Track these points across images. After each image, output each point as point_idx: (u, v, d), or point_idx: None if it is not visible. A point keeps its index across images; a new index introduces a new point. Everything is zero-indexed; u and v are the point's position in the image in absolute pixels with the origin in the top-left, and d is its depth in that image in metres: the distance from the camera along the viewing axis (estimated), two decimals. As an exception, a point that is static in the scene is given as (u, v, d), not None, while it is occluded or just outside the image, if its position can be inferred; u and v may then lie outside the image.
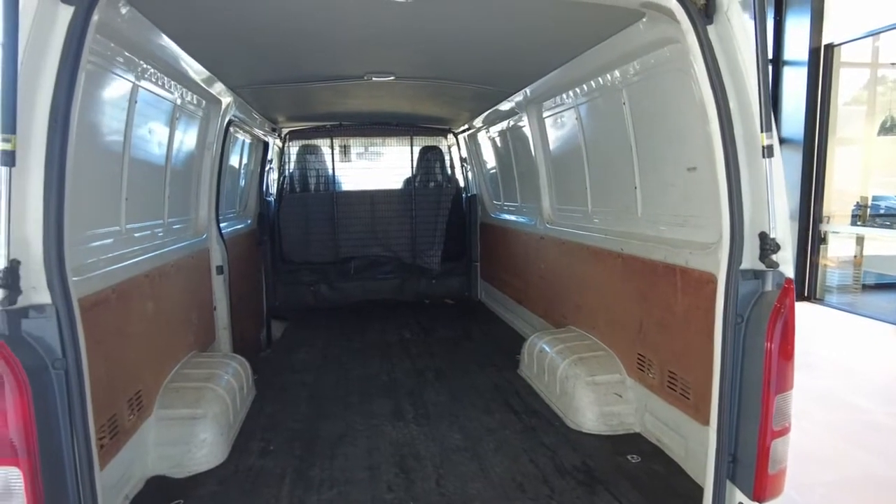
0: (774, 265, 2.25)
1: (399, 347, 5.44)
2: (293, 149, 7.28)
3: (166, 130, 3.71)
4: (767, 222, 2.24)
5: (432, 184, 7.46)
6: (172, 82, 3.59)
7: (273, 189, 7.19)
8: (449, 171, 7.51)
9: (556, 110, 4.50)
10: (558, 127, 4.60)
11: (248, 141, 6.23)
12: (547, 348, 4.09)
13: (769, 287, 2.30)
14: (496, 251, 6.77)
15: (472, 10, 3.06)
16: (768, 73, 2.14)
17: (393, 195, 7.39)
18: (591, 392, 3.51)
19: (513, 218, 6.19)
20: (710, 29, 2.30)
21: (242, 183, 6.36)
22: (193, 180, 4.44)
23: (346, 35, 3.46)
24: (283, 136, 7.13)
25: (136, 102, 3.04)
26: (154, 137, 3.51)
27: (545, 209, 4.99)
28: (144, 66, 3.08)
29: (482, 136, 6.79)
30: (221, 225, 5.44)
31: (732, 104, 2.30)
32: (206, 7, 2.88)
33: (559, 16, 2.99)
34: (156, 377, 3.32)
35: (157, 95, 3.44)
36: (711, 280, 2.64)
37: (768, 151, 2.17)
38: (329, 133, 7.21)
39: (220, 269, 4.73)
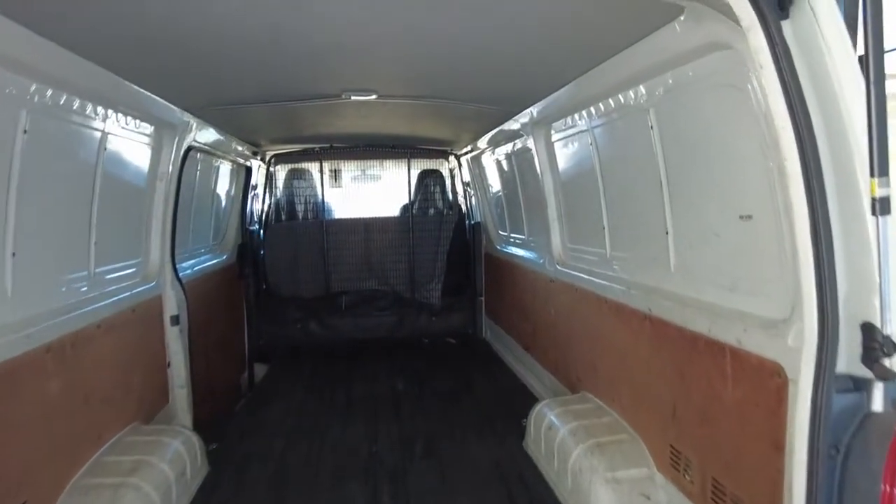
0: (889, 375, 1.51)
1: (388, 404, 4.72)
2: (279, 174, 6.65)
3: (89, 163, 3.07)
4: (877, 309, 1.51)
5: (432, 210, 6.77)
6: (97, 107, 2.96)
7: (257, 217, 6.56)
8: (450, 197, 6.83)
9: (568, 133, 3.80)
10: (570, 152, 3.89)
11: (224, 166, 5.61)
12: (557, 423, 3.35)
13: (878, 405, 1.56)
14: (502, 287, 6.04)
15: (468, 16, 2.40)
16: (884, 94, 1.41)
17: (389, 223, 6.71)
18: (610, 492, 2.77)
19: (520, 253, 5.47)
20: (786, 25, 1.59)
21: (219, 213, 5.73)
22: (141, 218, 3.79)
23: (316, 45, 2.81)
24: (267, 159, 6.50)
25: (24, 132, 2.39)
26: (64, 172, 2.86)
27: (555, 247, 4.27)
28: (41, 88, 2.44)
29: (487, 159, 6.10)
30: (187, 263, 4.82)
31: (819, 134, 1.59)
32: (117, 16, 2.25)
33: (573, 16, 2.30)
34: (58, 477, 2.64)
35: (72, 122, 2.81)
36: (777, 372, 1.91)
37: (882, 206, 1.44)
38: (318, 156, 6.58)
39: (175, 320, 4.06)
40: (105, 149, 3.15)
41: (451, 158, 6.77)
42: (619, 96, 2.89)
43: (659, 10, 2.06)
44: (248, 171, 6.16)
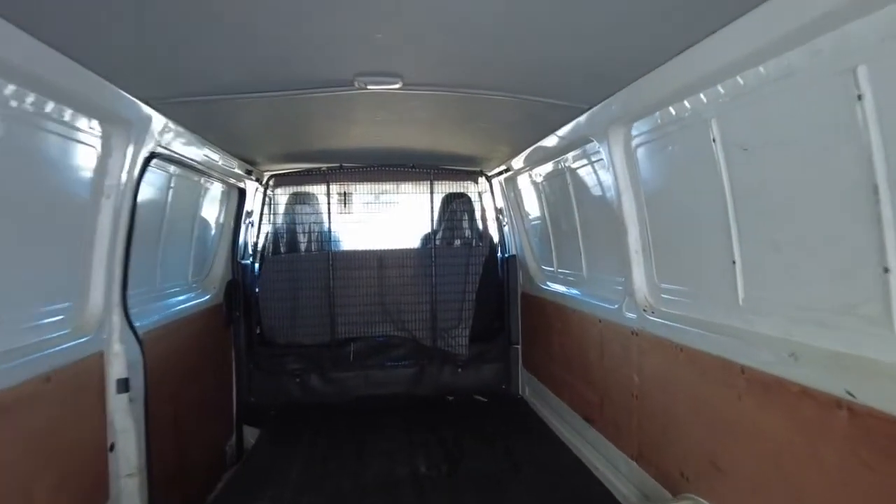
0: None
1: (409, 491, 3.58)
2: (279, 197, 5.63)
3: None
4: None
5: (459, 241, 5.71)
6: (6, 85, 1.97)
7: (252, 249, 5.52)
8: (480, 225, 5.77)
9: (664, 131, 2.75)
10: (667, 159, 2.84)
11: (211, 187, 4.61)
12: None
13: None
14: (546, 334, 4.91)
15: None
16: None
17: (407, 256, 5.64)
18: None
19: (575, 293, 4.36)
20: None
21: (202, 243, 4.70)
22: (76, 247, 2.75)
23: (321, 11, 1.85)
24: (264, 180, 5.50)
25: None
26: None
27: (639, 288, 3.17)
28: None
29: (525, 180, 5.07)
30: (153, 306, 3.76)
31: None
32: None
33: None
34: None
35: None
36: None
37: None
38: (325, 177, 5.56)
39: (123, 385, 2.98)
40: (17, 147, 2.14)
41: (482, 180, 5.74)
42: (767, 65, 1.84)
43: None
44: (242, 194, 5.16)
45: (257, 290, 5.43)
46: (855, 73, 1.66)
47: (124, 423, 3.00)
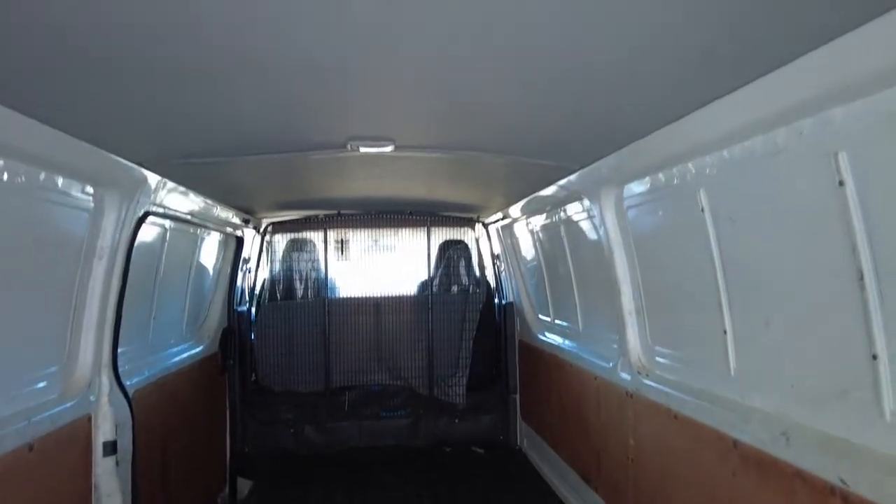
0: None
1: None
2: (277, 245, 5.65)
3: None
4: None
5: (455, 288, 5.69)
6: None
7: (248, 296, 5.51)
8: (477, 272, 5.76)
9: (655, 195, 2.76)
10: (659, 221, 2.84)
11: (207, 237, 4.62)
12: None
13: None
14: (544, 386, 4.85)
15: (526, 39, 1.46)
16: None
17: (404, 303, 5.62)
18: None
19: (572, 347, 4.33)
20: None
21: (198, 294, 4.69)
22: (66, 310, 2.74)
23: (314, 75, 1.89)
24: (262, 228, 5.52)
25: None
26: None
27: (633, 349, 3.14)
28: None
29: (522, 228, 5.07)
30: (145, 361, 3.74)
31: None
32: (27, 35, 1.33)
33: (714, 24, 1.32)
34: None
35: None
36: None
37: None
38: (322, 225, 5.59)
39: (110, 448, 2.93)
40: (8, 217, 2.16)
41: (478, 227, 5.75)
42: (780, 132, 1.85)
43: None
44: (239, 242, 5.17)
45: (253, 337, 5.41)
46: (836, 158, 1.67)
47: (110, 486, 2.94)
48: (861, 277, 1.65)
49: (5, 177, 2.12)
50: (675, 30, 1.47)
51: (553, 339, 4.72)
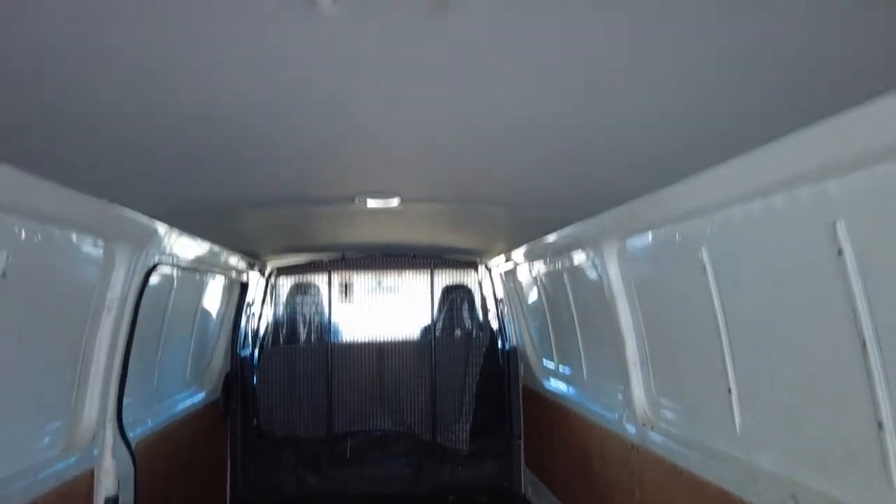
0: None
1: None
2: (281, 288, 5.68)
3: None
4: None
5: (459, 332, 5.69)
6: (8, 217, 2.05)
7: (251, 340, 5.51)
8: (480, 316, 5.77)
9: (658, 247, 2.80)
10: (662, 273, 2.87)
11: (212, 282, 4.66)
12: None
13: None
14: (549, 433, 4.81)
15: (529, 97, 1.52)
16: None
17: (407, 348, 5.62)
18: None
19: (576, 395, 4.31)
20: None
21: (202, 340, 4.70)
22: (73, 363, 2.76)
23: (322, 136, 1.94)
24: (267, 273, 5.56)
25: None
26: None
27: (637, 401, 3.13)
28: None
29: (524, 273, 5.10)
30: (147, 411, 3.72)
31: None
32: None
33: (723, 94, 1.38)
34: None
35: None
36: None
37: None
38: (327, 268, 5.63)
39: (112, 502, 2.91)
40: (21, 274, 2.19)
41: (482, 270, 5.79)
42: (782, 196, 1.89)
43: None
44: (244, 286, 5.21)
45: (255, 381, 5.39)
46: (834, 227, 1.70)
47: (111, 541, 2.90)
48: (863, 345, 1.67)
49: (22, 235, 2.16)
50: (675, 102, 1.53)
51: (557, 385, 4.70)
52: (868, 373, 1.66)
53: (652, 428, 3.03)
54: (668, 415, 2.94)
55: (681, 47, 1.21)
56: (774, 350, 2.11)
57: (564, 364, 4.61)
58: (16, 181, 1.95)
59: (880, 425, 1.65)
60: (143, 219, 2.90)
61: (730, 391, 2.36)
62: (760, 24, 1.09)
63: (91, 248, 2.69)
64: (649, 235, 2.80)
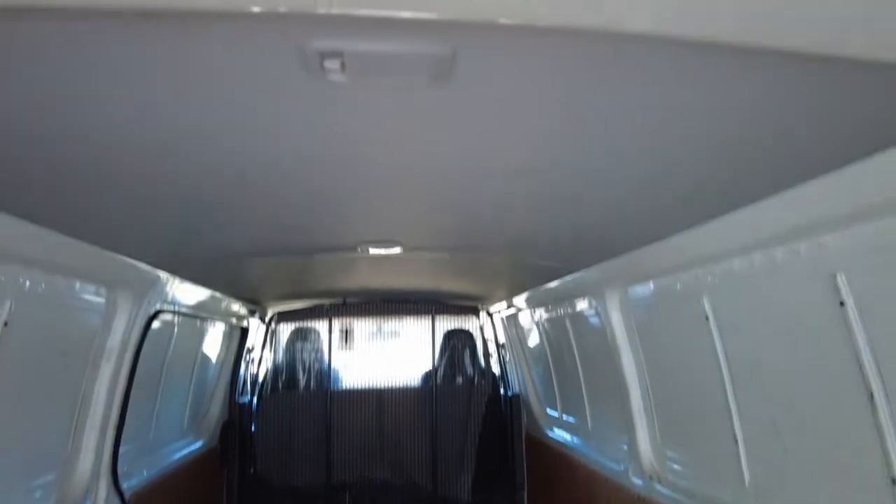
0: None
1: None
2: (281, 334, 5.65)
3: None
4: None
5: (460, 379, 5.62)
6: (9, 266, 2.06)
7: (250, 386, 5.44)
8: (482, 362, 5.71)
9: (659, 296, 2.80)
10: (665, 321, 2.86)
11: (211, 329, 4.64)
12: None
13: None
14: (553, 483, 4.69)
15: (530, 150, 1.56)
16: None
17: (408, 395, 5.54)
18: None
19: (581, 445, 4.22)
20: None
21: (200, 388, 4.65)
22: (69, 414, 2.72)
23: (325, 189, 1.98)
24: (267, 318, 5.54)
25: None
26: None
27: (644, 452, 3.07)
28: None
29: (526, 319, 5.08)
30: (144, 461, 3.65)
31: None
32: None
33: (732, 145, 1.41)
34: None
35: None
36: None
37: None
38: (327, 314, 5.61)
39: (102, 560, 2.82)
40: (24, 324, 2.19)
41: (483, 315, 5.77)
42: (780, 249, 1.90)
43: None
44: (244, 332, 5.19)
45: (253, 428, 5.29)
46: (835, 279, 1.71)
47: None
48: (871, 398, 1.65)
49: (27, 285, 2.17)
50: (675, 155, 1.55)
51: (562, 435, 4.61)
52: (878, 427, 1.64)
53: (659, 481, 2.96)
54: (675, 466, 2.88)
55: (681, 105, 1.24)
56: (780, 401, 2.08)
57: (568, 413, 4.54)
58: (21, 231, 1.97)
59: (894, 481, 1.62)
60: (146, 267, 2.92)
61: (736, 442, 2.32)
62: (760, 85, 1.12)
63: (93, 296, 2.69)
64: (651, 284, 2.80)
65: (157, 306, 3.15)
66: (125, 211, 2.10)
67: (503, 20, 0.85)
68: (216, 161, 1.58)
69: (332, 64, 0.95)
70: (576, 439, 4.33)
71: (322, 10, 0.80)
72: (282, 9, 0.76)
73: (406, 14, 0.84)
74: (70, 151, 1.47)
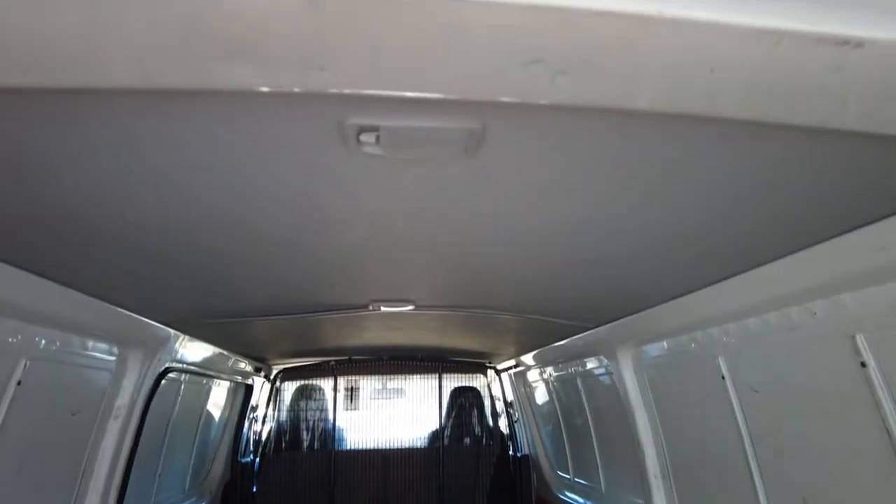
0: None
1: None
2: (285, 393, 5.57)
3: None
4: None
5: (468, 439, 5.50)
6: (19, 323, 2.06)
7: (253, 446, 5.32)
8: (490, 422, 5.60)
9: (674, 360, 2.78)
10: (678, 387, 2.82)
11: (216, 387, 4.58)
12: None
13: None
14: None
15: (547, 214, 1.59)
16: None
17: (414, 456, 5.40)
18: None
19: (592, 509, 4.09)
20: None
21: (203, 446, 4.55)
22: (73, 474, 2.66)
23: (337, 249, 2.00)
24: (272, 376, 5.48)
25: None
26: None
27: (661, 518, 2.97)
28: None
29: (535, 377, 5.02)
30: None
31: None
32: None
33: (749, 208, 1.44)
34: None
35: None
36: None
37: None
38: (333, 371, 5.55)
39: None
40: (34, 382, 2.17)
41: (491, 373, 5.69)
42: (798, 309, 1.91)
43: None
44: (248, 390, 5.12)
45: (255, 489, 5.14)
46: (854, 340, 1.71)
47: None
48: (900, 464, 1.62)
49: (42, 343, 2.17)
50: (689, 216, 1.57)
51: (573, 498, 4.47)
52: (909, 495, 1.60)
53: (679, 549, 2.85)
54: (696, 535, 2.78)
55: (696, 166, 1.27)
56: (806, 466, 2.03)
57: (580, 476, 4.41)
58: (41, 290, 1.99)
59: (929, 553, 1.56)
60: (158, 325, 2.92)
61: (761, 510, 2.25)
62: (771, 151, 1.16)
63: (106, 354, 2.68)
64: (665, 344, 2.79)
65: (167, 364, 3.13)
66: (145, 271, 2.12)
67: (533, 101, 0.88)
68: (241, 226, 1.61)
69: (367, 138, 0.99)
70: (588, 503, 4.19)
71: (364, 91, 0.85)
72: (332, 90, 0.80)
73: (438, 95, 0.88)
74: (95, 216, 1.50)
